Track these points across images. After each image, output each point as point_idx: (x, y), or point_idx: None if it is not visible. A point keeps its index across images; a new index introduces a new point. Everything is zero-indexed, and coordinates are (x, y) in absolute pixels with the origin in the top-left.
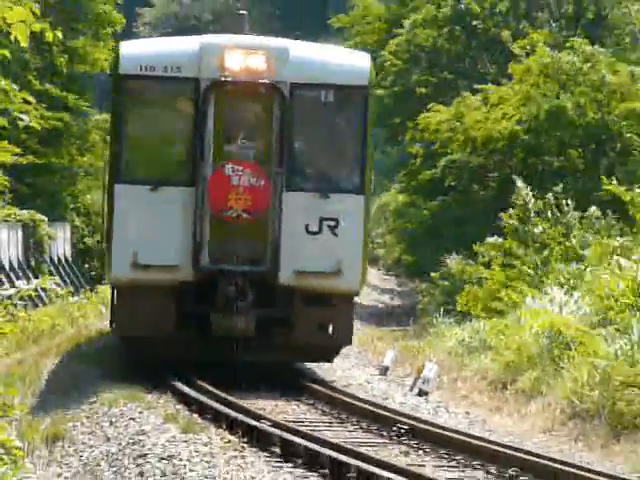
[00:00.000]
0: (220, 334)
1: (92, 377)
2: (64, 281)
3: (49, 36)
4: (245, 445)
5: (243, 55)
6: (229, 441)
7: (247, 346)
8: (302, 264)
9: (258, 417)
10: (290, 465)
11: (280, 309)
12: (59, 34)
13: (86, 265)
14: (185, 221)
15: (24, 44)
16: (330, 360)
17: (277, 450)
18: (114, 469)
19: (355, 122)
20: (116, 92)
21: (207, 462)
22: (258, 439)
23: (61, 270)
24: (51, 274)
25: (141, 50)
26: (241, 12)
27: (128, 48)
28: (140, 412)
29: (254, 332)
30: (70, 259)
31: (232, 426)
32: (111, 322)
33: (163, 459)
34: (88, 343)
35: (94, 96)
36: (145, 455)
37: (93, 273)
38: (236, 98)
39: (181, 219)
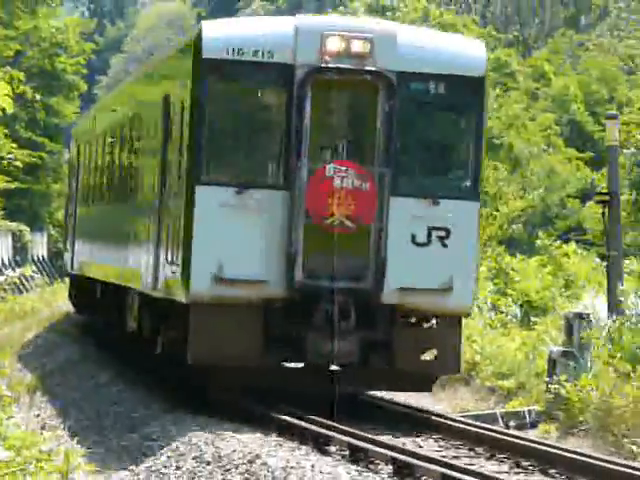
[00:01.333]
0: (317, 361)
1: (63, 344)
2: (42, 274)
3: (29, 95)
4: None
5: (345, 39)
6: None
7: (347, 374)
8: (408, 280)
9: None
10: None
11: (381, 331)
12: (37, 95)
13: (58, 262)
14: (276, 229)
15: (10, 110)
16: (430, 389)
17: None
18: (77, 410)
19: (469, 118)
20: (195, 79)
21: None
22: None
23: (40, 266)
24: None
25: (227, 31)
26: None
27: (211, 28)
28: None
29: (357, 358)
30: (46, 258)
31: None
32: (176, 344)
33: (115, 403)
34: (59, 320)
35: (64, 140)
36: (101, 402)
37: (63, 269)
38: (337, 88)
39: (272, 227)
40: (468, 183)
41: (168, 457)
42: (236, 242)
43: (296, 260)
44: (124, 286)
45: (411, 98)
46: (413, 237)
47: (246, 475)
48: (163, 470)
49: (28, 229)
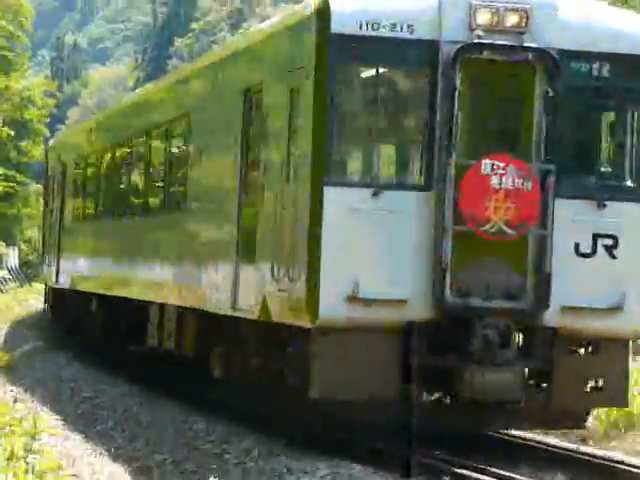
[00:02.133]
0: (471, 396)
1: (31, 335)
2: (14, 278)
3: (4, 135)
4: None
5: (498, 11)
6: None
7: (506, 413)
8: (572, 298)
9: None
10: None
11: (541, 360)
12: (11, 132)
13: (29, 270)
14: (420, 238)
15: None
16: (584, 426)
17: None
18: (42, 387)
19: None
20: (321, 60)
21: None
22: None
23: (12, 273)
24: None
25: (358, 1)
26: None
27: None
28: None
29: (519, 394)
30: (17, 267)
31: None
32: (295, 375)
33: (73, 381)
34: (29, 316)
35: (31, 175)
36: (61, 380)
37: (31, 276)
38: (490, 69)
39: (414, 235)
40: (638, 181)
41: (115, 423)
42: (371, 254)
43: (445, 275)
44: (147, 301)
45: (574, 81)
46: (576, 246)
47: None
48: (111, 433)
49: (3, 244)
